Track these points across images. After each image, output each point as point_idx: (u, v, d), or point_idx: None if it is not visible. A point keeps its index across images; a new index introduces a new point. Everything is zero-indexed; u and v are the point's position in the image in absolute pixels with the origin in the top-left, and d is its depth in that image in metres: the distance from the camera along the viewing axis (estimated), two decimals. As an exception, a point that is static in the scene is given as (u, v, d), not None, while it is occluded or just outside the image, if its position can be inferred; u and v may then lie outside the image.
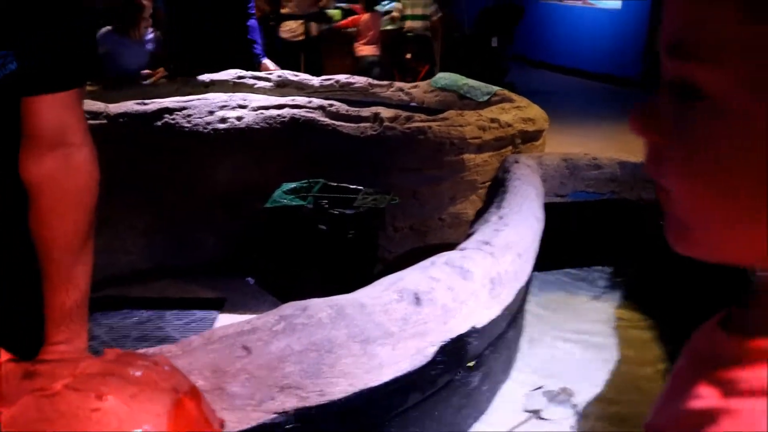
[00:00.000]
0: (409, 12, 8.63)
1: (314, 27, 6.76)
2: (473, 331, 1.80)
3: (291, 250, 3.31)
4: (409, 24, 8.60)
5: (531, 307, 2.61)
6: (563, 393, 2.25)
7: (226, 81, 4.42)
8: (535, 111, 3.85)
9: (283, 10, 6.73)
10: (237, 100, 3.63)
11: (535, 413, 2.15)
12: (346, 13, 9.84)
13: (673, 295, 2.88)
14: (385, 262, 3.47)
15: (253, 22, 4.73)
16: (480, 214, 2.46)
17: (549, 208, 2.53)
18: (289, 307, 1.48)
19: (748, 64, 0.38)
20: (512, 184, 2.40)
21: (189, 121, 3.44)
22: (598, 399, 2.24)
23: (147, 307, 3.21)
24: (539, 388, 2.29)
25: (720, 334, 0.47)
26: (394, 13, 8.62)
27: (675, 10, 0.42)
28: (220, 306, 3.25)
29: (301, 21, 6.68)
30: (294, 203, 3.14)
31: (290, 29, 6.74)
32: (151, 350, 1.41)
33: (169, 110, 3.44)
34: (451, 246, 3.40)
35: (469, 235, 2.09)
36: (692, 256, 0.45)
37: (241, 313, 3.09)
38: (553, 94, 9.71)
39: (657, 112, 0.44)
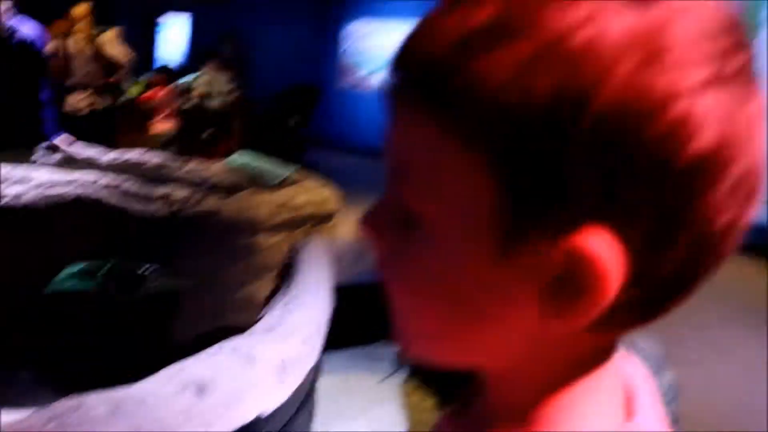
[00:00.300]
0: (206, 89, 8.64)
1: (100, 101, 6.52)
2: (261, 419, 1.80)
3: (73, 338, 3.13)
4: (206, 102, 8.59)
5: (322, 389, 2.65)
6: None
7: (6, 153, 4.16)
8: (327, 193, 3.98)
9: (67, 81, 6.42)
10: (17, 176, 3.43)
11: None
12: (149, 86, 9.64)
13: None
14: (178, 344, 3.38)
15: (45, 96, 4.52)
16: (269, 298, 2.49)
17: (339, 290, 2.61)
18: (61, 405, 1.41)
19: (436, 184, 0.40)
20: (299, 268, 2.46)
21: (-41, 200, 3.20)
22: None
23: None
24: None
25: (452, 424, 0.53)
26: (194, 91, 8.59)
27: (393, 132, 0.43)
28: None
29: (87, 93, 6.41)
30: (78, 288, 2.99)
31: (71, 104, 6.41)
32: None
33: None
34: (243, 329, 3.40)
35: (258, 320, 2.11)
36: (417, 359, 0.47)
37: (13, 410, 2.85)
38: (352, 174, 10.06)
39: (383, 222, 0.45)
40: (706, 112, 0.35)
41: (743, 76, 0.37)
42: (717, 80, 0.36)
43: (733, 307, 4.78)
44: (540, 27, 0.36)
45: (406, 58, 0.41)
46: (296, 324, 2.01)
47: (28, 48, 4.18)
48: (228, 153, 8.28)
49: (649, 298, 0.40)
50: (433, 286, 0.43)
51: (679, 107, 0.35)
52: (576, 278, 0.37)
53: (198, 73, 8.62)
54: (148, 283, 3.04)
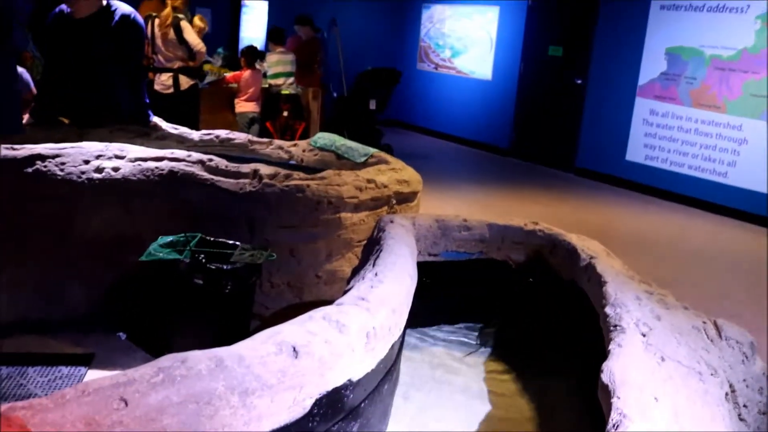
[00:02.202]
0: (280, 70, 8.80)
1: (184, 80, 6.73)
2: (349, 385, 1.85)
3: (165, 305, 3.26)
4: (281, 83, 8.76)
5: (404, 361, 2.70)
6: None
7: (102, 130, 4.35)
8: (410, 173, 4.02)
9: (154, 62, 6.69)
10: (114, 150, 3.58)
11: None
12: (227, 59, 9.87)
13: (536, 349, 3.05)
14: (262, 318, 3.48)
15: (141, 73, 4.68)
16: (356, 271, 2.54)
17: (422, 267, 2.64)
18: (168, 359, 1.49)
19: None
20: (387, 243, 2.50)
21: (62, 169, 3.36)
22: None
23: (6, 364, 3.05)
24: (412, 439, 2.36)
25: None
26: (270, 72, 8.77)
27: None
28: (89, 362, 3.14)
29: (172, 74, 6.64)
30: (170, 257, 3.12)
31: (160, 83, 6.69)
32: (20, 403, 1.38)
33: (42, 157, 3.36)
34: (327, 302, 3.48)
35: (345, 291, 2.16)
36: None
37: (110, 369, 3.00)
38: (428, 158, 10.09)
39: None
40: None
41: None
42: None
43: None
44: None
45: None
46: (385, 295, 2.05)
47: (130, 25, 4.32)
48: (306, 134, 8.44)
49: None
50: None
51: None
52: None
53: (271, 54, 8.79)
54: (236, 256, 3.14)
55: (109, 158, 3.54)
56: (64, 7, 4.34)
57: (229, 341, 1.73)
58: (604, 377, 1.76)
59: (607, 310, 2.21)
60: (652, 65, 8.78)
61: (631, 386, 1.67)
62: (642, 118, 8.92)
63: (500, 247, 3.17)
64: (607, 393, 1.71)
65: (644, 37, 8.84)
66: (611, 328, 2.08)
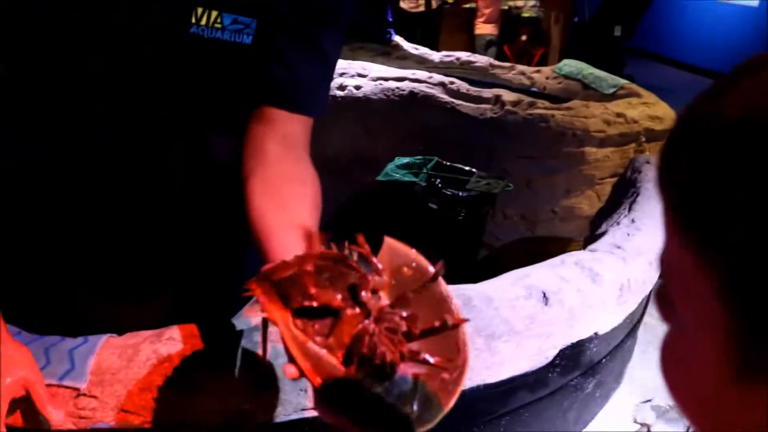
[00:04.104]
0: None
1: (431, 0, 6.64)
2: (596, 337, 1.71)
3: (399, 226, 3.27)
4: (522, 4, 8.39)
5: (647, 317, 2.49)
6: (674, 410, 2.14)
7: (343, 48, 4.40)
8: (663, 109, 3.66)
9: None
10: (357, 69, 3.60)
11: (646, 427, 2.05)
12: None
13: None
14: (491, 248, 3.40)
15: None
16: (606, 213, 2.34)
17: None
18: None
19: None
20: (644, 186, 2.26)
21: (309, 85, 3.43)
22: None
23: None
24: (648, 401, 2.19)
25: None
26: None
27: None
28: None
29: None
30: (406, 179, 3.10)
31: (406, 1, 6.65)
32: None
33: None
34: (561, 240, 3.31)
35: (598, 236, 1.98)
36: None
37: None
38: (677, 92, 9.31)
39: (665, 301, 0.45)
40: None
41: None
42: None
43: None
44: None
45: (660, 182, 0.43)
46: (642, 245, 1.86)
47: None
48: (544, 60, 8.09)
49: None
50: (680, 373, 0.45)
51: None
52: None
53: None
54: (472, 184, 3.05)
55: (352, 76, 3.56)
56: None
57: (458, 269, 1.65)
58: None
59: None
60: None
61: None
62: None
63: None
64: None
65: None
66: None
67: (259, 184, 1.04)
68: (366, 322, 0.75)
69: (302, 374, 0.72)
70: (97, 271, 1.21)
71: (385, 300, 0.80)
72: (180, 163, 1.13)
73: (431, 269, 0.82)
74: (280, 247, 0.91)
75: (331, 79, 1.18)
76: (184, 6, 0.98)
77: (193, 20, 0.98)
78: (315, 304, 0.76)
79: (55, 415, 0.97)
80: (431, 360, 0.75)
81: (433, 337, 0.77)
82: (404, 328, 0.75)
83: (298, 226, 0.97)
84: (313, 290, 0.77)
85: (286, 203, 1.03)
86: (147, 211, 1.15)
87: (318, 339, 0.74)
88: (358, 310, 0.76)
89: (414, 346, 0.76)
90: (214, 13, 0.98)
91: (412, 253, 0.86)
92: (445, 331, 0.77)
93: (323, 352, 0.74)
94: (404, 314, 0.76)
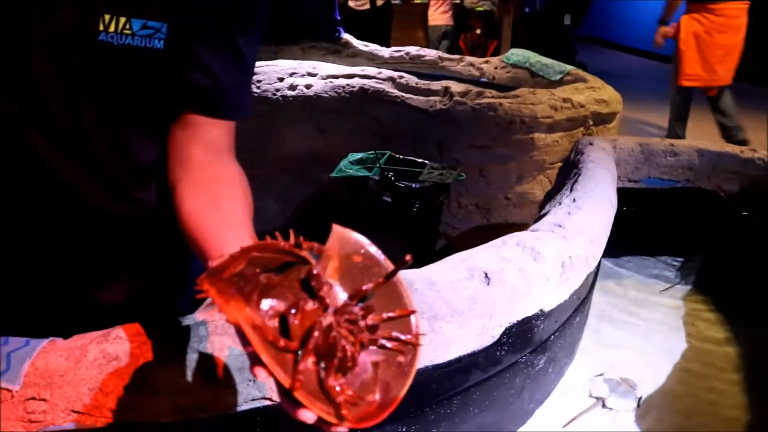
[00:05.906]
0: None
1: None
2: (541, 315, 1.76)
3: (356, 221, 3.30)
4: None
5: (597, 293, 2.56)
6: (625, 383, 2.20)
7: (294, 47, 4.42)
8: (609, 92, 3.74)
9: None
10: (306, 68, 3.62)
11: (600, 401, 2.11)
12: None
13: (743, 289, 2.78)
14: (448, 238, 3.45)
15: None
16: (551, 195, 2.40)
17: (621, 194, 2.46)
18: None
19: None
20: (586, 166, 2.33)
21: (258, 87, 3.45)
22: (663, 392, 2.18)
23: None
24: (601, 375, 2.25)
25: None
26: None
27: None
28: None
29: None
30: (360, 173, 3.13)
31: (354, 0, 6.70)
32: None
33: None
34: (516, 226, 3.38)
35: (540, 216, 2.04)
36: None
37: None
38: (626, 77, 9.45)
39: None
40: None
41: None
42: None
43: None
44: None
45: None
46: (583, 223, 1.91)
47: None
48: (497, 52, 8.16)
49: None
50: None
51: None
52: None
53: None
54: (425, 175, 3.09)
55: (302, 75, 3.59)
56: None
57: (415, 261, 1.69)
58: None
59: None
60: None
61: None
62: None
63: (710, 176, 2.88)
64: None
65: None
66: None
67: (189, 189, 1.05)
68: (324, 315, 0.75)
69: (271, 375, 0.71)
70: (49, 264, 1.22)
71: (340, 290, 0.80)
72: (105, 166, 1.14)
73: (382, 258, 0.84)
74: (221, 246, 0.91)
75: (251, 81, 1.19)
76: (91, 14, 0.98)
77: (101, 27, 0.98)
78: (272, 299, 0.76)
79: None
80: (389, 345, 0.77)
81: (387, 322, 0.79)
82: (363, 320, 0.76)
83: (234, 224, 0.99)
84: (267, 284, 0.77)
85: (219, 203, 1.04)
86: (78, 211, 1.16)
87: (280, 336, 0.74)
88: (316, 304, 0.76)
89: (371, 333, 0.77)
90: (123, 19, 0.98)
91: (361, 239, 0.87)
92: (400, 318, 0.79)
93: (288, 351, 0.74)
94: (361, 305, 0.78)
